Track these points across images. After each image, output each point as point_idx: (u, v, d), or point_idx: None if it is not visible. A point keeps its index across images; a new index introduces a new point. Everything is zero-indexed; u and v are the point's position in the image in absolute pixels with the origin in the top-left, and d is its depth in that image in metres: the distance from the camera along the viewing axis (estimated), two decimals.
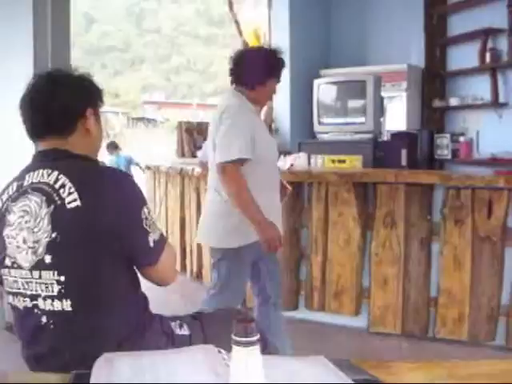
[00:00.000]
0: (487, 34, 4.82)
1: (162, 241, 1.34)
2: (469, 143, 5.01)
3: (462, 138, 5.04)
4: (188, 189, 4.14)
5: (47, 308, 1.22)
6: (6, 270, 1.28)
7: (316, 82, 4.65)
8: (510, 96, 4.77)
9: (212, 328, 1.47)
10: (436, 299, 2.87)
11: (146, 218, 1.29)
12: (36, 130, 1.36)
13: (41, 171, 1.28)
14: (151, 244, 1.29)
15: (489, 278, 2.74)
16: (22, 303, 1.26)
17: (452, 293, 2.81)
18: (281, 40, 6.01)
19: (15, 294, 1.27)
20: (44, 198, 1.23)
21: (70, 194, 1.22)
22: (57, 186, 1.23)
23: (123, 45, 23.49)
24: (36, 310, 1.24)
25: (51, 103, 1.33)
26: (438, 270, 2.86)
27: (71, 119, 1.35)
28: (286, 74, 5.87)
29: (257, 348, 0.72)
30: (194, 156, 5.12)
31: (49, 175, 1.26)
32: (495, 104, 4.81)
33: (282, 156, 3.40)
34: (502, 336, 2.75)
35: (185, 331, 1.44)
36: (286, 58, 6.16)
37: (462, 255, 2.76)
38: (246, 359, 0.71)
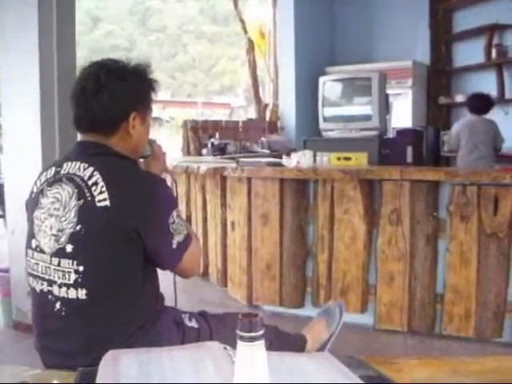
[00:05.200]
0: (493, 29, 4.80)
1: (187, 241, 1.35)
2: None
3: None
4: (194, 187, 4.15)
5: (62, 295, 1.25)
6: (31, 252, 1.32)
7: (321, 79, 4.64)
8: None
9: (217, 325, 1.49)
10: (442, 296, 2.87)
11: (173, 222, 1.31)
12: (80, 124, 1.38)
13: (78, 163, 1.30)
14: (174, 246, 1.31)
15: (495, 275, 2.73)
16: (40, 286, 1.29)
17: (458, 289, 2.80)
18: (286, 38, 6.02)
19: (35, 277, 1.31)
20: (76, 190, 1.26)
21: (101, 192, 1.24)
22: (90, 182, 1.26)
23: (128, 44, 23.50)
24: (50, 296, 1.27)
25: (95, 104, 1.33)
26: (444, 267, 2.85)
27: (113, 123, 1.36)
28: (291, 72, 5.92)
29: (261, 343, 0.72)
30: (199, 154, 5.13)
31: (84, 169, 1.28)
32: (501, 100, 4.80)
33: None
34: (508, 333, 2.74)
35: (194, 324, 1.46)
36: (291, 55, 6.13)
37: (469, 252, 2.76)
38: (251, 354, 0.71)
